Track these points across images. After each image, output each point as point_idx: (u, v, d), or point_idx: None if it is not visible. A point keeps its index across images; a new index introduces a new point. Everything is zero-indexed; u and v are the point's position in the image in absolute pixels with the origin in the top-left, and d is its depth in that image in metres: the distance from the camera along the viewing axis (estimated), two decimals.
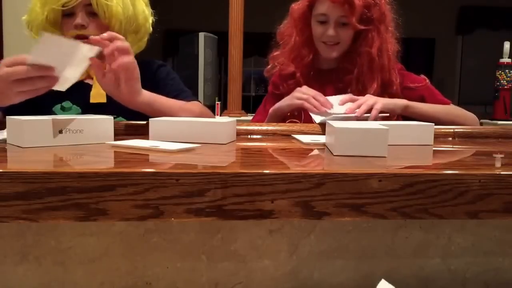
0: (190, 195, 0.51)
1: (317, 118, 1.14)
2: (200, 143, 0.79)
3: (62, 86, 0.87)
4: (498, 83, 3.06)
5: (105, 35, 0.92)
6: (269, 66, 1.52)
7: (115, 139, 0.81)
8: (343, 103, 1.18)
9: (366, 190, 0.53)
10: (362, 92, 1.32)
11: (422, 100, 1.31)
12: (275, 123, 1.18)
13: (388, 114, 1.15)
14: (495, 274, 0.69)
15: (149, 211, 0.51)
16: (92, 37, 0.92)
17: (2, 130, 0.84)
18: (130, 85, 0.94)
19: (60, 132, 0.76)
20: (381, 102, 1.13)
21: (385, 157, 0.67)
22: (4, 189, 0.50)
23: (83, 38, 1.15)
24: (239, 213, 0.52)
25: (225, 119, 0.88)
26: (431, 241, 0.67)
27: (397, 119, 1.22)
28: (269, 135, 1.02)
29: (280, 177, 0.52)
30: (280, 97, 1.45)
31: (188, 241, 0.63)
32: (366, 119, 1.11)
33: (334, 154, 0.69)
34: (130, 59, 0.93)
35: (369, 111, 1.12)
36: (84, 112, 1.18)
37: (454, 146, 0.92)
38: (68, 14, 1.16)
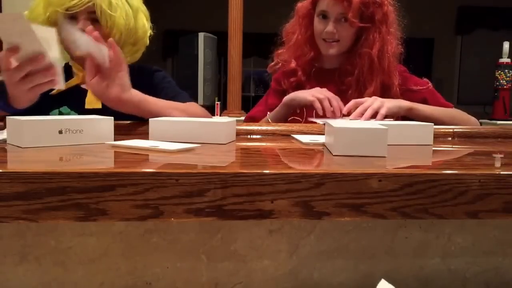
0: (190, 195, 0.51)
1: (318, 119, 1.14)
2: (199, 143, 0.79)
3: (59, 83, 0.89)
4: (497, 83, 3.06)
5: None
6: (272, 63, 1.54)
7: (115, 139, 0.81)
8: (348, 109, 1.18)
9: (366, 190, 0.53)
10: (362, 93, 1.33)
11: (425, 102, 1.31)
12: (274, 123, 1.18)
13: (392, 119, 1.15)
14: (495, 274, 0.69)
15: (149, 211, 0.51)
16: (91, 28, 0.94)
17: (2, 130, 0.84)
18: (119, 78, 0.94)
19: (60, 132, 0.76)
20: (386, 106, 1.13)
21: (385, 157, 0.67)
22: (4, 189, 0.50)
23: None
24: (239, 213, 0.52)
25: (224, 119, 0.88)
26: (431, 241, 0.67)
27: (396, 119, 1.22)
28: (269, 135, 1.02)
29: (280, 177, 0.52)
30: (282, 93, 1.47)
31: (188, 241, 0.63)
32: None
33: (334, 154, 0.69)
34: (119, 53, 0.94)
35: (373, 115, 1.13)
36: None
37: (453, 146, 0.92)
38: (70, 17, 1.17)
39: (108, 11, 1.15)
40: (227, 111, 3.53)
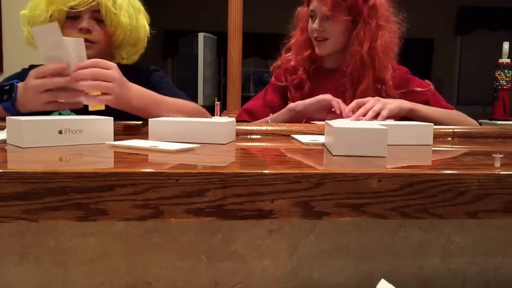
0: (189, 195, 0.52)
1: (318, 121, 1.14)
2: (199, 143, 0.79)
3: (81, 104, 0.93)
4: (497, 83, 3.06)
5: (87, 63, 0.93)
6: (277, 62, 1.57)
7: (115, 139, 0.81)
8: (351, 110, 1.18)
9: (366, 190, 0.53)
10: (356, 92, 1.33)
11: (427, 104, 1.31)
12: (274, 123, 1.18)
13: (393, 120, 1.15)
14: (495, 274, 0.69)
15: (149, 211, 0.51)
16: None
17: (2, 130, 0.84)
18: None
19: (60, 132, 0.76)
20: (387, 108, 1.13)
21: (384, 157, 0.67)
22: (4, 189, 0.50)
23: (86, 41, 1.17)
24: (239, 213, 0.53)
25: (224, 119, 0.88)
26: (431, 241, 0.67)
27: (397, 119, 1.23)
28: (269, 135, 1.02)
29: (279, 177, 0.52)
30: (281, 89, 1.49)
31: (188, 241, 0.63)
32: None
33: (334, 154, 0.69)
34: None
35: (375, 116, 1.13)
36: None
37: (453, 146, 0.92)
38: (72, 16, 1.17)
39: (113, 9, 1.14)
40: (227, 111, 3.53)
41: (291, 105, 1.30)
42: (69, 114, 1.19)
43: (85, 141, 0.79)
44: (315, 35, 1.40)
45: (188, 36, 4.47)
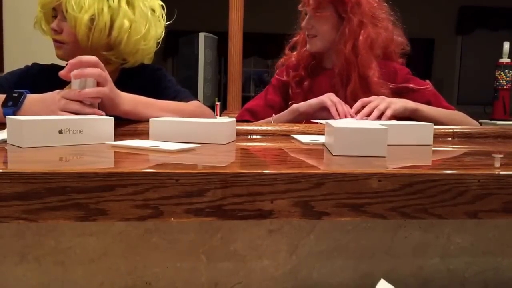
0: (189, 195, 0.52)
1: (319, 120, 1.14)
2: (199, 143, 0.79)
3: None
4: (497, 83, 3.06)
5: (73, 61, 0.92)
6: (280, 61, 1.59)
7: (115, 139, 0.81)
8: (355, 111, 1.18)
9: (366, 190, 0.53)
10: (346, 92, 1.34)
11: (429, 104, 1.31)
12: (274, 124, 1.18)
13: (395, 121, 1.15)
14: (494, 274, 0.69)
15: (149, 211, 0.51)
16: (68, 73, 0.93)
17: (2, 130, 0.84)
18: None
19: (60, 132, 0.76)
20: (392, 108, 1.14)
21: (384, 157, 0.67)
22: (4, 189, 0.50)
23: (57, 42, 1.17)
24: (239, 213, 0.53)
25: (224, 119, 0.88)
26: (431, 241, 0.67)
27: (399, 119, 1.23)
28: (269, 135, 1.02)
29: (279, 177, 0.52)
30: (283, 87, 1.51)
31: (187, 241, 0.63)
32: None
33: (334, 154, 0.69)
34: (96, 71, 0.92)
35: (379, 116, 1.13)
36: None
37: (453, 146, 0.92)
38: (54, 16, 1.18)
39: (69, 9, 1.11)
40: (227, 111, 3.53)
41: (294, 106, 1.30)
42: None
43: (85, 141, 0.79)
44: (306, 32, 1.44)
45: (188, 36, 4.47)
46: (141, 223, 0.62)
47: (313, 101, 1.26)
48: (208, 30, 4.40)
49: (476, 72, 6.48)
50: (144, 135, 0.89)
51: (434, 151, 0.83)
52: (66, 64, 1.28)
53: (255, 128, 1.03)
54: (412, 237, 0.66)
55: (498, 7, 6.45)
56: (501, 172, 0.55)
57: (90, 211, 0.51)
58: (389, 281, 0.58)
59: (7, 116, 0.78)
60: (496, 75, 3.05)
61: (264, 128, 1.04)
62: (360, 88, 1.34)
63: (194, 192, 0.52)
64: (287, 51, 1.57)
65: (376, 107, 1.13)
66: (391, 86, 1.36)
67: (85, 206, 0.51)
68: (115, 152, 0.72)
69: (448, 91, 6.66)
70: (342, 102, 1.23)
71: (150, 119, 0.85)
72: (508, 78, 3.02)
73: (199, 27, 4.53)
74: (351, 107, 1.20)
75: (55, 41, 1.18)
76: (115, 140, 0.81)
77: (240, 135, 0.98)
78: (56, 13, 1.16)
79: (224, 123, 0.83)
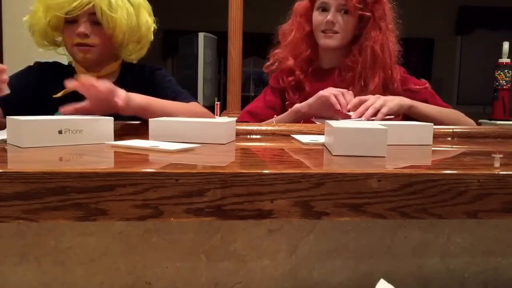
0: (189, 195, 0.52)
1: (318, 120, 1.14)
2: (199, 143, 0.79)
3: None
4: (497, 83, 3.06)
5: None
6: (268, 62, 1.54)
7: (115, 139, 0.81)
8: (353, 107, 1.18)
9: (366, 190, 0.53)
10: (363, 89, 1.33)
11: (425, 103, 1.31)
12: (273, 124, 1.18)
13: (392, 116, 1.15)
14: (494, 274, 0.69)
15: (149, 211, 0.51)
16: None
17: (2, 130, 0.84)
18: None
19: (60, 132, 0.76)
20: (387, 106, 1.14)
21: (384, 157, 0.67)
22: (4, 189, 0.50)
23: (85, 45, 1.17)
24: (239, 213, 0.53)
25: (224, 119, 0.88)
26: (430, 240, 0.67)
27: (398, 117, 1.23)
28: (268, 135, 1.02)
29: (279, 177, 0.52)
30: (280, 91, 1.48)
31: (187, 241, 0.63)
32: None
33: (333, 154, 0.69)
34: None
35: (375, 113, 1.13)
36: None
37: (453, 146, 0.92)
38: (71, 20, 1.17)
39: (109, 12, 1.14)
40: (227, 111, 3.53)
41: (296, 106, 1.29)
42: None
43: (85, 141, 0.79)
44: (324, 27, 1.37)
45: (188, 36, 4.47)
46: (141, 223, 0.62)
47: (311, 100, 1.26)
48: (207, 30, 4.40)
49: (476, 72, 6.48)
50: (144, 135, 0.89)
51: (433, 151, 0.83)
52: (69, 63, 1.28)
53: (255, 128, 1.03)
54: (412, 237, 0.66)
55: (498, 7, 6.45)
56: (501, 172, 0.55)
57: (90, 211, 0.51)
58: (388, 281, 0.58)
59: (7, 116, 0.78)
60: (496, 75, 3.05)
61: (263, 128, 1.04)
62: (381, 88, 1.34)
63: (194, 192, 0.52)
64: (276, 51, 1.50)
65: (371, 105, 1.13)
66: (395, 86, 1.37)
67: (85, 206, 0.51)
68: (115, 152, 0.72)
69: (448, 91, 6.66)
70: (340, 93, 1.22)
71: (149, 119, 0.85)
72: (507, 78, 3.02)
73: (198, 27, 4.53)
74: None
75: (81, 45, 1.17)
76: (115, 140, 0.81)
77: (240, 135, 0.98)
78: (77, 17, 1.16)
79: (224, 123, 0.83)
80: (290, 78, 1.45)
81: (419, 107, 1.21)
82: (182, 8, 6.20)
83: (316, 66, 1.47)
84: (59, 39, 1.25)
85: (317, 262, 0.66)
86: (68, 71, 1.26)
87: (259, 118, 1.44)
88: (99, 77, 1.21)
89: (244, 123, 1.13)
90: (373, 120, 1.12)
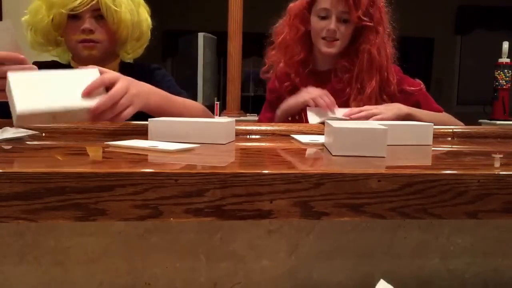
0: (189, 195, 0.51)
1: (313, 119, 1.14)
2: (199, 143, 0.79)
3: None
4: (497, 83, 3.07)
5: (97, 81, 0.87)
6: (265, 67, 1.53)
7: (115, 139, 0.81)
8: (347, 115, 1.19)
9: (365, 190, 0.53)
10: (360, 91, 1.33)
11: (418, 105, 1.32)
12: (273, 123, 1.18)
13: (395, 121, 1.16)
14: (494, 274, 0.69)
15: (148, 211, 0.51)
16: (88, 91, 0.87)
17: (2, 130, 0.84)
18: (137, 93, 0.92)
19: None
20: (386, 115, 1.15)
21: (384, 157, 0.67)
22: (3, 189, 0.50)
23: (90, 41, 1.17)
24: (238, 213, 0.52)
25: (224, 119, 0.88)
26: (430, 241, 0.67)
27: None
28: (268, 135, 1.02)
29: (279, 177, 0.52)
30: (278, 100, 1.46)
31: (187, 241, 0.63)
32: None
33: (333, 154, 0.69)
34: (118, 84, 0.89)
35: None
36: None
37: (453, 146, 0.92)
38: (74, 17, 1.17)
39: (114, 6, 1.14)
40: (227, 111, 3.53)
41: (277, 112, 1.31)
42: None
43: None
44: (325, 35, 1.36)
45: (188, 36, 4.47)
46: (141, 223, 0.62)
47: (291, 101, 1.27)
48: (207, 30, 4.40)
49: (476, 72, 6.48)
50: (143, 135, 0.89)
51: (433, 151, 0.83)
52: (70, 62, 1.28)
53: (254, 128, 1.03)
54: (412, 238, 0.66)
55: (497, 7, 6.45)
56: (500, 172, 0.55)
57: (89, 211, 0.51)
58: (388, 281, 0.58)
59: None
60: (496, 75, 3.06)
61: (263, 128, 1.04)
62: (378, 90, 1.34)
63: (193, 192, 0.52)
64: (273, 58, 1.49)
65: (367, 110, 1.15)
66: (392, 89, 1.37)
67: (85, 206, 0.51)
68: (114, 152, 0.71)
69: (448, 91, 6.66)
70: (324, 93, 1.23)
71: (149, 119, 0.85)
72: (507, 78, 3.03)
73: (198, 27, 4.53)
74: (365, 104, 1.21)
75: (86, 41, 1.17)
76: (114, 140, 0.81)
77: (240, 135, 0.98)
78: (81, 14, 1.16)
79: (224, 123, 0.83)
80: (286, 84, 1.44)
81: (416, 115, 1.22)
82: (182, 8, 6.21)
83: (311, 68, 1.45)
84: (60, 38, 1.25)
85: (317, 262, 0.66)
86: None
87: None
88: None
89: (244, 123, 1.13)
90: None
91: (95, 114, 0.83)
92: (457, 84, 6.89)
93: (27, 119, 0.79)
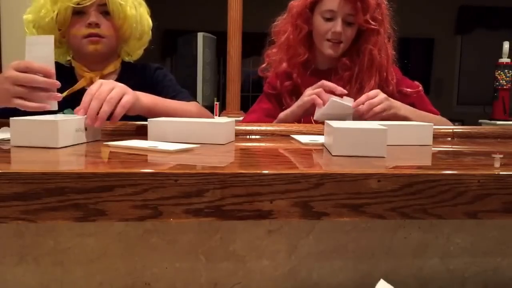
0: (188, 195, 0.51)
1: (326, 115, 1.13)
2: (198, 143, 0.79)
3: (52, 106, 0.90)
4: (497, 83, 3.06)
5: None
6: (263, 65, 1.51)
7: (114, 140, 0.81)
8: (357, 105, 1.18)
9: (365, 190, 0.53)
10: (359, 90, 1.34)
11: (413, 107, 1.31)
12: (273, 124, 1.18)
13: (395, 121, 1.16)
14: (494, 274, 0.69)
15: (148, 212, 0.51)
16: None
17: (2, 130, 0.83)
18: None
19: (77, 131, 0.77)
20: (386, 110, 1.15)
21: (384, 157, 0.67)
22: (3, 190, 0.50)
23: (96, 36, 1.17)
24: (238, 213, 0.52)
25: (223, 119, 0.88)
26: (430, 241, 0.67)
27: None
28: (268, 135, 1.02)
29: (279, 178, 0.52)
30: (276, 97, 1.45)
31: (187, 241, 0.63)
32: (362, 114, 1.12)
33: (333, 154, 0.69)
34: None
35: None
36: None
37: (453, 146, 0.92)
38: (78, 12, 1.17)
39: (119, 1, 1.15)
40: (226, 111, 3.53)
41: (281, 116, 1.30)
42: (71, 113, 1.19)
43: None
44: (330, 37, 1.34)
45: (187, 36, 4.47)
46: (140, 224, 0.62)
47: (294, 108, 1.26)
48: (207, 30, 4.39)
49: (476, 72, 6.48)
50: (143, 135, 0.89)
51: (433, 151, 0.83)
52: (69, 61, 1.28)
53: (254, 128, 1.03)
54: (412, 238, 0.66)
55: (498, 7, 6.45)
56: (500, 172, 0.55)
57: (89, 211, 0.51)
58: (388, 281, 0.58)
59: (29, 116, 0.78)
60: (496, 75, 3.05)
61: (263, 128, 1.04)
62: (377, 88, 1.34)
63: (193, 192, 0.51)
64: (274, 57, 1.47)
65: (377, 103, 1.14)
66: (390, 89, 1.37)
67: (84, 206, 0.51)
68: (114, 152, 0.71)
69: (448, 91, 6.66)
70: (319, 84, 1.22)
71: (148, 119, 0.85)
72: (508, 78, 3.02)
73: (197, 27, 4.52)
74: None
75: (92, 35, 1.18)
76: (113, 141, 0.80)
77: (239, 135, 0.98)
78: (86, 9, 1.16)
79: (223, 123, 0.83)
80: (287, 83, 1.43)
81: (412, 119, 1.22)
82: (181, 8, 6.20)
83: (312, 68, 1.45)
84: (61, 39, 1.25)
85: (317, 262, 0.66)
86: (68, 71, 1.25)
87: None
88: (102, 76, 1.21)
89: (243, 123, 1.12)
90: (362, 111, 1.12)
91: (91, 115, 0.83)
92: (457, 84, 6.89)
93: None
